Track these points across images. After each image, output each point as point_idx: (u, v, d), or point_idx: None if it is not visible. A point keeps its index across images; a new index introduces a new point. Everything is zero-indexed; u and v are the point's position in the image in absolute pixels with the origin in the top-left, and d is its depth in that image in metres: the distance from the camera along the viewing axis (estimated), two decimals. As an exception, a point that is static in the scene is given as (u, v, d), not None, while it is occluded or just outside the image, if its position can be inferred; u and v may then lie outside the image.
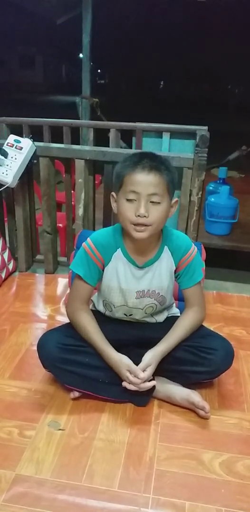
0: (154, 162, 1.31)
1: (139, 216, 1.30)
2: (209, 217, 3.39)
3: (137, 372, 1.37)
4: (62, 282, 2.44)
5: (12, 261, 2.49)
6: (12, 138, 2.22)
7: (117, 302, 1.50)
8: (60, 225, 2.86)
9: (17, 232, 2.50)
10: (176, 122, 2.41)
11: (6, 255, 2.43)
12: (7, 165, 2.16)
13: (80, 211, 2.36)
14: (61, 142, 2.41)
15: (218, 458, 1.33)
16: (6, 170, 2.16)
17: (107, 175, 2.37)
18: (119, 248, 1.44)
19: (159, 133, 2.37)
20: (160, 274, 1.47)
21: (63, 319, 1.96)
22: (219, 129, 5.08)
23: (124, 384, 1.41)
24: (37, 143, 2.29)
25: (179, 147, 2.34)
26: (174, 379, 1.53)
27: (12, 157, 2.17)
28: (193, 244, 1.51)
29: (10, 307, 2.15)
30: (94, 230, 2.44)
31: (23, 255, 2.52)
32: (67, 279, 2.37)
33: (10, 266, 2.47)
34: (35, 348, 1.51)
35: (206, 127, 2.22)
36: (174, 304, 1.70)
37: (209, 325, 1.79)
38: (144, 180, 1.29)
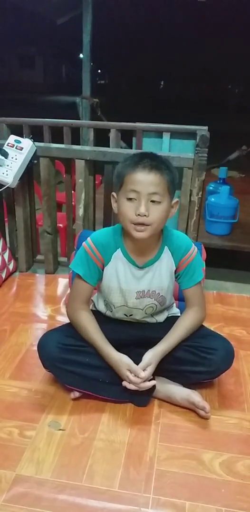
0: (155, 162, 1.31)
1: (139, 215, 1.30)
2: (209, 217, 3.38)
3: (137, 372, 1.37)
4: (62, 282, 2.44)
5: (12, 261, 2.49)
6: (12, 138, 2.23)
7: (117, 303, 1.51)
8: (61, 225, 2.86)
9: (18, 232, 2.50)
10: (176, 122, 2.41)
11: (6, 255, 2.43)
12: (8, 166, 2.17)
13: (80, 211, 2.36)
14: (62, 142, 2.41)
15: (218, 458, 1.33)
16: (7, 171, 2.16)
17: (107, 175, 2.37)
18: (119, 248, 1.44)
19: (159, 133, 2.37)
20: (160, 274, 1.47)
21: (63, 319, 1.96)
22: (219, 129, 5.08)
23: (124, 383, 1.41)
24: (37, 143, 2.29)
25: (179, 147, 2.34)
26: (174, 379, 1.53)
27: (12, 158, 2.17)
28: (193, 244, 1.51)
29: (10, 307, 2.15)
30: (94, 230, 2.44)
31: (23, 255, 2.53)
32: (67, 279, 2.37)
33: (11, 266, 2.47)
34: (35, 348, 1.51)
35: (206, 127, 2.22)
36: (174, 304, 1.70)
37: (209, 325, 1.79)
38: (145, 179, 1.29)
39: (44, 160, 2.34)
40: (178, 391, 1.50)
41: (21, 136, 2.30)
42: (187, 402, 1.47)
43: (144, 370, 1.39)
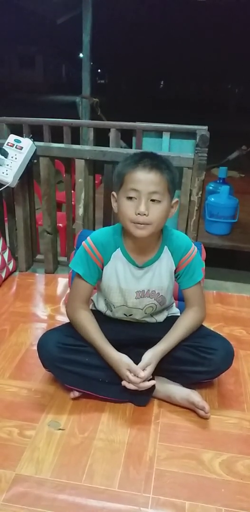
0: (155, 161, 1.31)
1: (139, 214, 1.30)
2: (209, 217, 3.38)
3: (137, 371, 1.37)
4: (62, 282, 2.44)
5: (12, 261, 2.49)
6: (12, 138, 2.22)
7: (117, 302, 1.50)
8: (60, 225, 2.86)
9: (17, 232, 2.50)
10: (176, 122, 2.41)
11: (6, 255, 2.43)
12: (8, 165, 2.16)
13: (80, 211, 2.36)
14: (62, 142, 2.41)
15: (218, 458, 1.33)
16: (6, 170, 2.16)
17: (107, 175, 2.37)
18: (119, 248, 1.44)
19: (159, 133, 2.38)
20: (160, 274, 1.47)
21: (63, 319, 1.96)
22: (219, 129, 5.09)
23: (124, 383, 1.41)
24: (37, 143, 2.29)
25: (179, 147, 2.34)
26: (174, 379, 1.53)
27: (12, 157, 2.17)
28: (193, 244, 1.51)
29: (10, 307, 2.15)
30: (94, 230, 2.44)
31: (23, 255, 2.52)
32: (67, 279, 2.37)
33: (10, 266, 2.47)
34: (35, 348, 1.51)
35: (206, 127, 2.22)
36: (174, 304, 1.70)
37: (209, 325, 1.79)
38: (145, 178, 1.29)
39: (44, 160, 2.33)
40: (178, 391, 1.50)
41: (21, 135, 2.30)
42: (187, 402, 1.47)
43: (143, 370, 1.39)
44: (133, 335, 1.55)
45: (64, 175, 2.59)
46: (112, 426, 1.43)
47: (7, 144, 2.20)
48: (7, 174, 2.16)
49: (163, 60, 17.89)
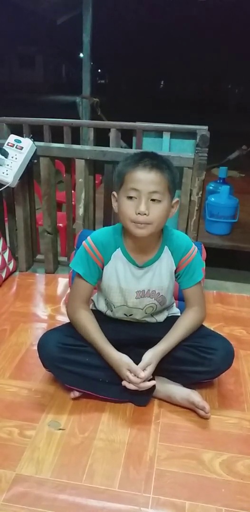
0: (155, 161, 1.31)
1: (139, 214, 1.30)
2: (209, 216, 3.38)
3: (137, 371, 1.37)
4: (62, 282, 2.44)
5: (12, 261, 2.49)
6: (12, 138, 2.22)
7: (117, 302, 1.50)
8: (61, 224, 2.86)
9: (18, 232, 2.50)
10: (176, 122, 2.41)
11: (6, 255, 2.43)
12: (8, 165, 2.16)
13: (80, 211, 2.36)
14: (62, 142, 2.41)
15: (218, 457, 1.33)
16: (7, 170, 2.16)
17: (107, 175, 2.37)
18: (119, 248, 1.44)
19: (159, 133, 2.38)
20: (160, 274, 1.47)
21: (63, 319, 1.96)
22: (219, 129, 5.08)
23: (124, 383, 1.41)
24: (37, 143, 2.29)
25: (179, 147, 2.34)
26: (174, 379, 1.53)
27: (12, 157, 2.17)
28: (193, 244, 1.51)
29: (10, 307, 2.15)
30: (94, 229, 2.44)
31: (23, 254, 2.52)
32: (67, 279, 2.37)
33: (11, 266, 2.47)
34: (35, 348, 1.51)
35: (206, 127, 2.22)
36: (174, 304, 1.70)
37: (209, 325, 1.79)
38: (145, 178, 1.29)
39: (44, 160, 2.34)
40: (178, 391, 1.50)
41: (21, 135, 2.30)
42: (187, 402, 1.47)
43: (143, 370, 1.39)
44: (133, 335, 1.55)
45: (64, 175, 2.59)
46: (113, 426, 1.43)
47: (8, 144, 2.20)
48: (7, 174, 2.16)
49: (163, 60, 17.90)
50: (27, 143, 2.21)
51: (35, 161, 2.30)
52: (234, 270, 3.22)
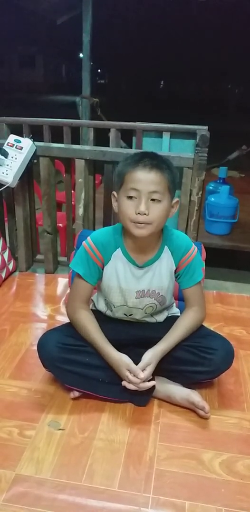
0: (155, 161, 1.31)
1: (139, 213, 1.30)
2: (209, 216, 3.38)
3: (137, 372, 1.37)
4: (62, 282, 2.44)
5: (12, 261, 2.49)
6: (12, 138, 2.23)
7: (117, 302, 1.50)
8: (60, 224, 2.86)
9: (17, 232, 2.50)
10: (176, 122, 2.41)
11: (6, 255, 2.43)
12: (8, 165, 2.16)
13: (80, 211, 2.36)
14: (62, 142, 2.41)
15: (218, 457, 1.33)
16: (7, 170, 2.16)
17: (107, 175, 2.37)
18: (119, 248, 1.44)
19: (159, 133, 2.37)
20: (160, 274, 1.47)
21: (63, 319, 1.96)
22: (219, 129, 5.09)
23: (124, 383, 1.41)
24: (37, 143, 2.29)
25: (179, 147, 2.34)
26: (174, 379, 1.53)
27: (12, 157, 2.17)
28: (193, 244, 1.51)
29: (10, 307, 2.15)
30: (94, 230, 2.44)
31: (23, 255, 2.52)
32: (67, 279, 2.37)
33: (10, 266, 2.47)
34: (35, 348, 1.51)
35: (206, 127, 2.22)
36: (174, 304, 1.70)
37: (209, 325, 1.79)
38: (145, 178, 1.29)
39: (44, 160, 2.34)
40: (178, 391, 1.50)
41: (21, 135, 2.30)
42: (187, 402, 1.47)
43: (143, 370, 1.39)
44: (133, 335, 1.55)
45: (64, 175, 2.59)
46: (113, 426, 1.43)
47: (7, 144, 2.20)
48: (7, 174, 2.16)
49: (163, 60, 17.89)
50: (27, 143, 2.21)
51: (35, 161, 2.30)
52: (234, 270, 3.22)
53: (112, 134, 2.36)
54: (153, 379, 1.43)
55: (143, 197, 1.29)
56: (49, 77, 28.62)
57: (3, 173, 2.15)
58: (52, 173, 2.40)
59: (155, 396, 1.53)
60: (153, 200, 1.31)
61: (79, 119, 4.47)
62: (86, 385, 1.48)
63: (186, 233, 2.16)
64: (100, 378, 1.47)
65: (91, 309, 1.58)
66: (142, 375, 1.37)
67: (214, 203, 3.40)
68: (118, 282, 1.46)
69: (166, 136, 2.35)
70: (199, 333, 1.52)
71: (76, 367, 1.44)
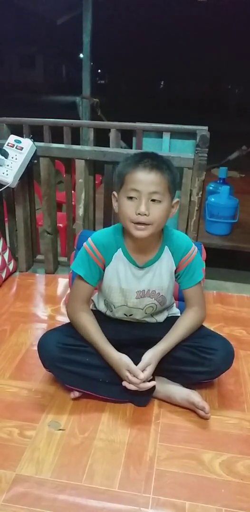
0: (155, 161, 1.31)
1: (139, 214, 1.30)
2: (209, 217, 3.38)
3: (137, 372, 1.37)
4: (62, 282, 2.44)
5: (12, 261, 2.49)
6: (12, 138, 2.23)
7: (118, 302, 1.51)
8: (61, 225, 2.86)
9: (18, 232, 2.50)
10: (176, 122, 2.41)
11: (6, 255, 2.43)
12: (8, 165, 2.17)
13: (80, 211, 2.36)
14: (62, 142, 2.41)
15: (218, 458, 1.33)
16: (7, 170, 2.16)
17: (107, 175, 2.37)
18: (120, 248, 1.44)
19: (159, 133, 2.37)
20: (160, 274, 1.47)
21: (63, 319, 1.96)
22: (219, 129, 5.09)
23: (124, 383, 1.41)
24: (37, 143, 2.29)
25: (179, 147, 2.34)
26: (174, 379, 1.53)
27: (12, 157, 2.17)
28: (193, 244, 1.51)
29: (10, 307, 2.15)
30: (94, 230, 2.44)
31: (23, 255, 2.53)
32: (67, 279, 2.37)
33: (11, 266, 2.47)
34: (35, 348, 1.51)
35: (206, 127, 2.22)
36: (174, 304, 1.70)
37: (209, 325, 1.79)
38: (145, 179, 1.29)
39: (44, 160, 2.34)
40: (178, 391, 1.50)
41: (21, 136, 2.30)
42: (187, 402, 1.47)
43: (143, 370, 1.39)
44: (133, 335, 1.55)
45: (64, 176, 2.59)
46: (113, 426, 1.43)
47: (8, 145, 2.20)
48: (7, 175, 2.16)
49: (163, 60, 17.90)
50: (27, 144, 2.21)
51: (35, 161, 2.30)
52: (234, 271, 3.22)
53: (112, 135, 2.36)
54: (153, 379, 1.44)
55: (143, 198, 1.29)
56: (49, 77, 28.62)
57: (3, 173, 2.16)
58: (52, 173, 2.40)
59: (155, 396, 1.53)
60: (153, 200, 1.31)
61: (79, 119, 4.47)
62: (86, 385, 1.48)
63: (186, 233, 2.16)
64: (100, 378, 1.47)
65: (92, 309, 1.58)
66: (142, 375, 1.37)
67: (214, 203, 3.40)
68: (119, 282, 1.46)
69: (166, 136, 2.35)
70: (199, 333, 1.52)
71: (76, 367, 1.45)
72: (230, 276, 2.71)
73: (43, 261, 2.56)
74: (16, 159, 2.18)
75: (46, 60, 27.89)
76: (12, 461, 1.29)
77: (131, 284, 1.46)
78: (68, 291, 2.18)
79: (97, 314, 1.56)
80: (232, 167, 4.69)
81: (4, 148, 2.18)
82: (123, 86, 24.09)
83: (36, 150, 2.27)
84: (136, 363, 1.40)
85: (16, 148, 2.19)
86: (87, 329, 1.46)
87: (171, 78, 24.19)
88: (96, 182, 2.59)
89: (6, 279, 2.41)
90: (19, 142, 2.21)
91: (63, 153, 2.34)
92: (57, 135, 2.49)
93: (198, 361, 1.46)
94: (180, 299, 1.67)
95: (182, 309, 1.58)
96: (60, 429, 1.41)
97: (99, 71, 26.77)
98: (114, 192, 1.42)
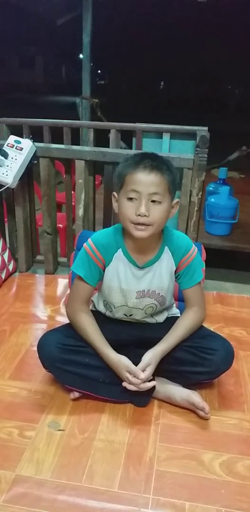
0: (155, 162, 1.31)
1: (139, 215, 1.30)
2: (209, 217, 3.38)
3: (137, 373, 1.37)
4: (62, 282, 2.44)
5: (12, 262, 2.49)
6: (12, 138, 2.23)
7: (118, 302, 1.51)
8: (60, 225, 2.87)
9: (17, 233, 2.50)
10: (176, 122, 2.41)
11: (6, 255, 2.43)
12: (8, 166, 2.17)
13: (80, 212, 2.36)
14: (62, 143, 2.41)
15: (218, 458, 1.33)
16: (6, 171, 2.16)
17: (107, 176, 2.37)
18: (120, 248, 1.44)
19: (159, 134, 2.38)
20: (160, 274, 1.47)
21: (63, 320, 1.96)
22: (219, 129, 5.09)
23: (124, 384, 1.41)
24: (37, 144, 2.29)
25: (179, 148, 2.35)
26: (174, 380, 1.53)
27: (12, 158, 2.17)
28: (193, 245, 1.51)
29: (10, 308, 2.15)
30: (94, 230, 2.44)
31: (23, 255, 2.53)
32: (67, 280, 2.37)
33: (10, 267, 2.47)
34: (35, 348, 1.51)
35: (206, 128, 2.22)
36: (174, 305, 1.70)
37: (209, 326, 1.79)
38: (145, 180, 1.29)
39: (44, 161, 2.34)
40: (178, 392, 1.50)
41: (21, 136, 2.30)
42: (187, 403, 1.47)
43: (143, 370, 1.39)
44: (133, 336, 1.55)
45: (64, 176, 2.59)
46: (113, 426, 1.43)
47: (7, 145, 2.20)
48: (7, 175, 2.16)
49: (163, 60, 17.89)
50: (27, 144, 2.21)
51: (35, 162, 2.30)
52: (234, 271, 3.22)
53: (112, 135, 2.36)
54: (153, 379, 1.44)
55: (143, 199, 1.29)
56: (49, 77, 28.60)
57: (3, 174, 2.16)
58: (52, 174, 2.40)
59: (155, 396, 1.53)
60: (153, 201, 1.31)
61: (79, 120, 4.47)
62: (86, 385, 1.48)
63: (186, 233, 2.16)
64: (100, 379, 1.47)
65: (92, 310, 1.58)
66: (142, 375, 1.37)
67: (214, 204, 3.40)
68: (119, 282, 1.46)
69: (166, 137, 2.35)
70: (199, 333, 1.52)
71: (76, 367, 1.45)
72: (230, 277, 2.71)
73: (43, 262, 2.56)
74: (16, 159, 2.18)
75: (46, 60, 27.87)
76: (12, 462, 1.29)
77: (131, 284, 1.46)
78: (68, 291, 2.18)
79: (97, 314, 1.56)
80: (232, 167, 4.69)
81: (4, 148, 2.18)
82: (123, 87, 24.08)
83: (36, 150, 2.27)
84: (136, 363, 1.40)
85: (16, 148, 2.19)
86: (87, 330, 1.46)
87: (171, 78, 24.17)
88: (96, 182, 2.59)
89: (6, 279, 2.41)
90: (19, 142, 2.21)
91: (63, 153, 2.34)
92: (57, 136, 2.50)
93: (198, 362, 1.46)
94: (180, 299, 1.67)
95: (182, 310, 1.58)
96: (60, 430, 1.41)
97: (99, 71, 26.74)
98: (114, 193, 1.42)
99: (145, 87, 22.07)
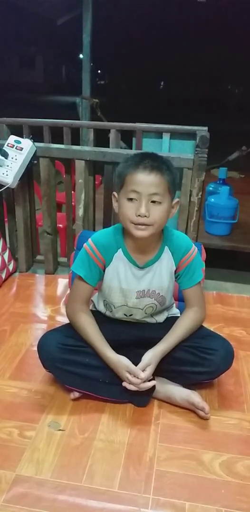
0: (156, 162, 1.31)
1: (139, 215, 1.30)
2: (209, 217, 3.38)
3: (137, 372, 1.38)
4: (62, 282, 2.44)
5: (12, 262, 2.49)
6: (12, 138, 2.23)
7: (118, 302, 1.51)
8: (61, 225, 2.86)
9: (18, 233, 2.50)
10: (176, 122, 2.41)
11: (6, 255, 2.43)
12: (8, 166, 2.17)
13: (80, 212, 2.36)
14: (62, 143, 2.41)
15: (218, 458, 1.33)
16: (7, 171, 2.16)
17: (107, 176, 2.38)
18: (120, 248, 1.45)
19: (159, 134, 2.38)
20: (160, 274, 1.47)
21: (63, 320, 1.96)
22: (219, 129, 5.09)
23: (124, 384, 1.41)
24: (37, 144, 2.29)
25: (179, 148, 2.34)
26: (174, 380, 1.53)
27: (12, 158, 2.17)
28: (193, 245, 1.51)
29: (10, 308, 2.15)
30: (94, 230, 2.44)
31: (23, 255, 2.53)
32: (67, 280, 2.37)
33: (11, 267, 2.47)
34: (35, 348, 1.51)
35: (206, 128, 2.22)
36: (174, 305, 1.70)
37: (209, 326, 1.79)
38: (145, 180, 1.30)
39: (44, 161, 2.34)
40: (178, 392, 1.50)
41: (21, 136, 2.30)
42: (187, 403, 1.47)
43: (143, 370, 1.39)
44: (133, 336, 1.55)
45: (64, 176, 2.59)
46: (113, 426, 1.43)
47: (7, 145, 2.20)
48: (7, 175, 2.16)
49: (163, 60, 17.90)
50: (27, 144, 2.21)
51: (35, 162, 2.30)
52: (233, 271, 3.22)
53: (112, 135, 2.36)
54: (153, 379, 1.44)
55: (143, 199, 1.30)
56: (49, 77, 28.60)
57: (3, 173, 2.16)
58: (52, 173, 2.40)
59: (155, 396, 1.53)
60: (153, 202, 1.31)
61: (79, 120, 4.47)
62: (86, 385, 1.48)
63: (186, 233, 2.16)
64: (100, 379, 1.47)
65: (92, 310, 1.58)
66: (143, 375, 1.37)
67: (214, 204, 3.40)
68: (119, 282, 1.46)
69: (166, 137, 2.35)
70: (199, 333, 1.52)
71: (76, 367, 1.45)
72: (230, 277, 2.71)
73: (43, 262, 2.56)
74: (16, 159, 2.18)
75: (46, 60, 27.88)
76: (12, 462, 1.29)
77: (131, 284, 1.46)
78: (68, 291, 2.18)
79: (97, 314, 1.56)
80: (232, 167, 4.69)
81: (4, 148, 2.18)
82: (123, 87, 24.09)
83: (36, 150, 2.27)
84: (136, 363, 1.40)
85: (16, 148, 2.19)
86: (86, 330, 1.46)
87: (171, 78, 24.19)
88: (96, 182, 2.59)
89: (6, 279, 2.41)
90: (19, 142, 2.21)
91: (63, 153, 2.35)
92: (57, 136, 2.49)
93: (198, 362, 1.46)
94: (180, 299, 1.67)
95: (182, 310, 1.58)
96: (60, 430, 1.41)
97: (99, 71, 26.74)
98: (115, 193, 1.42)
99: (145, 87, 22.07)
